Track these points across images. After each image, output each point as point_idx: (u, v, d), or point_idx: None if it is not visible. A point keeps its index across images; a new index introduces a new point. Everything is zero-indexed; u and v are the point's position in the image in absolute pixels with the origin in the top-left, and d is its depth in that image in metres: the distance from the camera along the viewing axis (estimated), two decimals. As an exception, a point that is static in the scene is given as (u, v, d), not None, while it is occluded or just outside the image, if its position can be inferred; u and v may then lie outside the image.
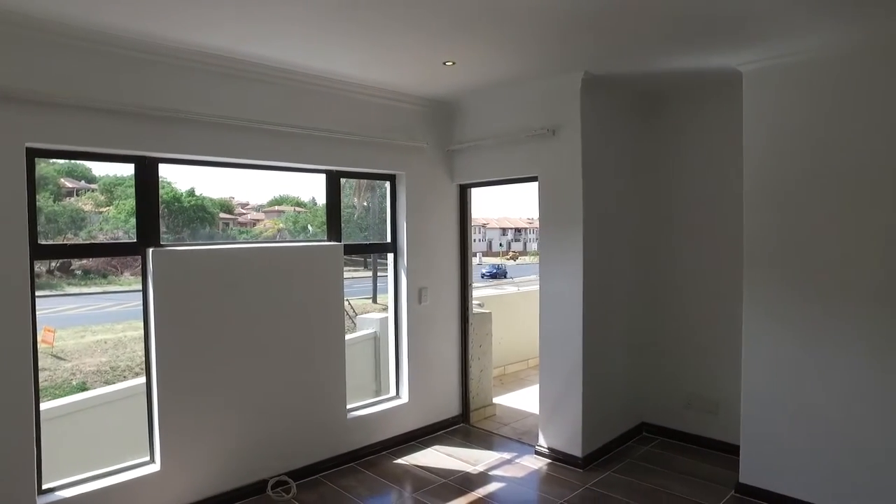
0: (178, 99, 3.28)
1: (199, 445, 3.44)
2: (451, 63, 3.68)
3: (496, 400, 5.59)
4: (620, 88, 4.31)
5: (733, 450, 3.88)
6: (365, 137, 4.16)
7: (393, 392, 4.67)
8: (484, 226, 52.71)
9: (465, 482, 3.90)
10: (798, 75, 3.41)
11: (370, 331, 5.57)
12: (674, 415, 4.59)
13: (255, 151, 3.66)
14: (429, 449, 4.47)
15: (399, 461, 4.26)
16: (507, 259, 40.77)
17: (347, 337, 5.05)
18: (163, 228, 3.45)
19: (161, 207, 3.45)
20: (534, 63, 3.72)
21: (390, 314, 4.67)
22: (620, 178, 4.46)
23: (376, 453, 4.35)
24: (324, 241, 4.18)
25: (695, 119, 4.40)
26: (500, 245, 47.91)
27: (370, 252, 4.82)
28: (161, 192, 3.45)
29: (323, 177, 4.16)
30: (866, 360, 3.19)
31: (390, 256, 4.62)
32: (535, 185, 4.32)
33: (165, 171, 3.51)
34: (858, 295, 3.22)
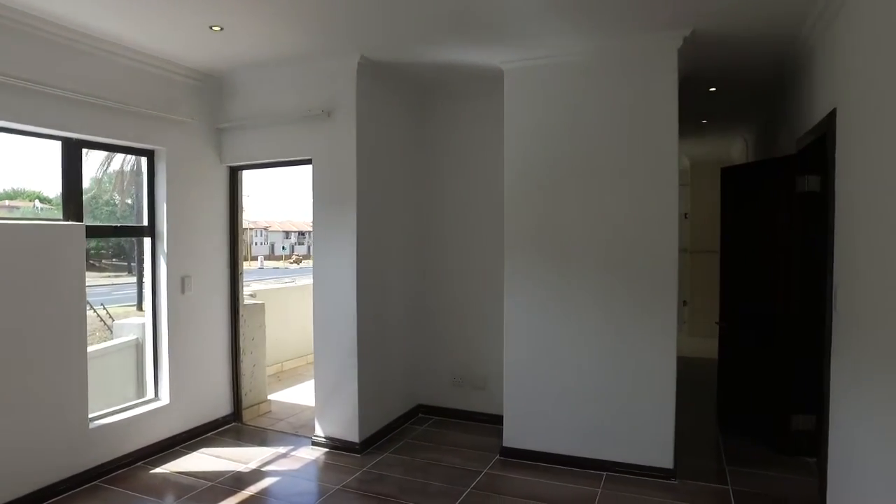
0: None
1: None
2: (218, 28, 3.40)
3: (273, 396, 5.32)
4: (400, 77, 4.42)
5: (500, 420, 4.18)
6: (116, 104, 3.62)
7: (151, 394, 4.13)
8: (266, 228, 50.38)
9: (236, 482, 3.61)
10: (547, 76, 3.84)
11: (131, 337, 4.82)
12: (447, 394, 4.85)
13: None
14: (195, 453, 4.05)
15: (157, 470, 3.77)
16: (291, 263, 39.54)
17: (103, 345, 4.36)
18: None
19: None
20: (306, 40, 3.63)
21: (147, 305, 4.13)
22: (398, 166, 4.57)
23: (129, 465, 3.78)
24: (59, 220, 3.51)
25: (471, 113, 4.69)
26: (283, 248, 46.28)
27: (121, 235, 4.15)
28: None
29: (59, 148, 3.51)
30: (598, 323, 3.73)
31: (147, 241, 4.09)
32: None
33: None
34: (591, 273, 3.75)
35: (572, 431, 3.80)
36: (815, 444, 3.59)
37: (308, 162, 4.20)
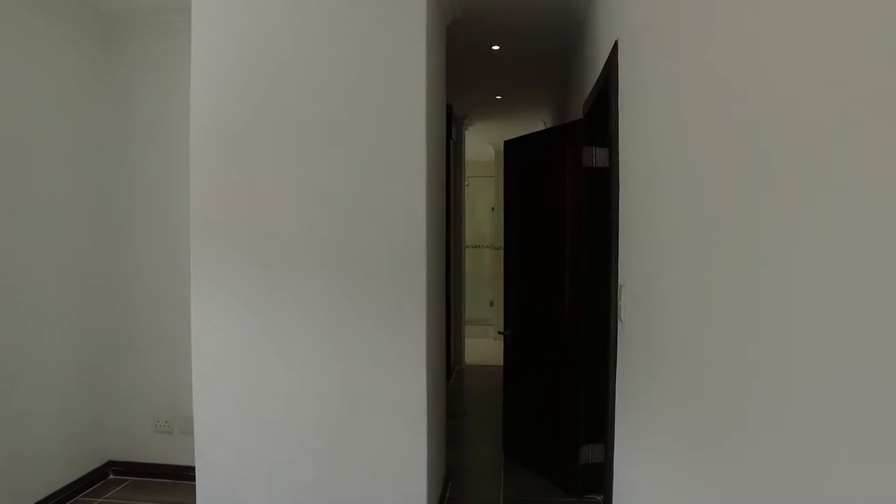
0: None
1: None
2: None
3: None
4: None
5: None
6: None
7: None
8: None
9: None
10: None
11: None
12: (149, 444, 3.45)
13: None
14: None
15: None
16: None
17: None
18: None
19: None
20: None
21: None
22: (61, 122, 3.13)
23: None
24: None
25: (180, 57, 3.29)
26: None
27: None
28: None
29: None
30: (322, 346, 2.60)
31: None
32: None
33: None
34: (311, 275, 2.61)
35: (292, 498, 2.65)
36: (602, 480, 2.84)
37: None
